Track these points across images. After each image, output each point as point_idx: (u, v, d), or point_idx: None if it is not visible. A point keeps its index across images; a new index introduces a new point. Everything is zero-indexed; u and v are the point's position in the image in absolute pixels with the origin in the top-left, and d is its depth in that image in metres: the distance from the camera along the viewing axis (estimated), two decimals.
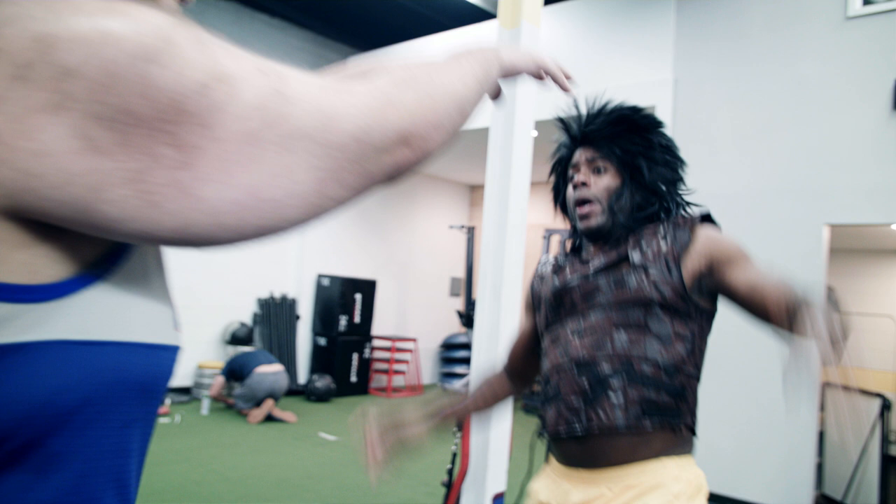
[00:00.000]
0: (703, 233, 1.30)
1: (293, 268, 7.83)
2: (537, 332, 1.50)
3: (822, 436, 4.68)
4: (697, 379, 1.31)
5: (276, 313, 7.48)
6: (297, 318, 7.71)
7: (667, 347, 1.26)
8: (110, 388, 0.45)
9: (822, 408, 4.77)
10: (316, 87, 0.46)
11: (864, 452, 4.33)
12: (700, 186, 1.86)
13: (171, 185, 0.40)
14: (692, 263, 1.27)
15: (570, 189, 1.42)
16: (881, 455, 4.22)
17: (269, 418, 6.00)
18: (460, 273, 9.55)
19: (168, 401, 6.11)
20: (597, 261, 1.36)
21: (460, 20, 6.78)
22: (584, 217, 1.37)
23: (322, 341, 7.77)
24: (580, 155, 1.41)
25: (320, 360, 7.73)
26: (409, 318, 8.99)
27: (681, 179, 1.41)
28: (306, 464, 4.79)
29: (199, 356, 6.85)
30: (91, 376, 0.43)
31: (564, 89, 0.84)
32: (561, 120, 1.47)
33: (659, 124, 1.41)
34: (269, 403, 5.95)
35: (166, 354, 0.50)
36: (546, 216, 8.69)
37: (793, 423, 4.17)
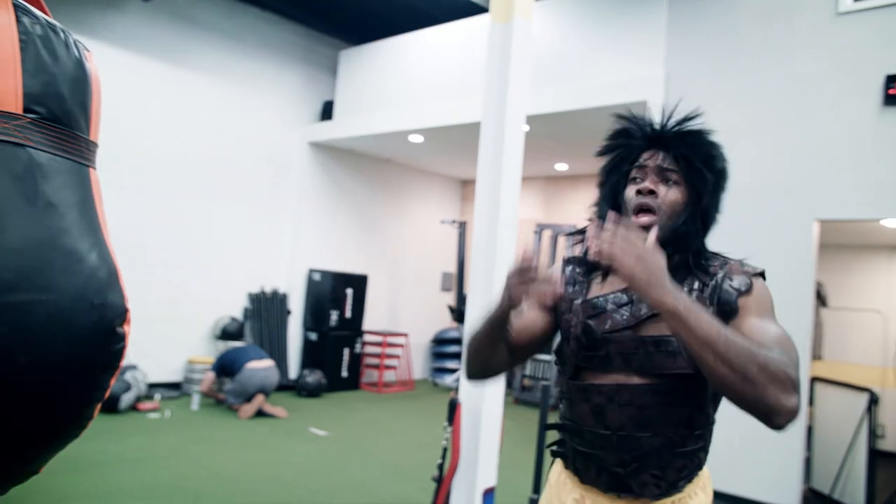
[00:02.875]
0: (748, 298, 1.21)
1: (284, 262, 7.80)
2: (548, 331, 1.40)
3: (810, 430, 4.71)
4: (715, 419, 1.33)
5: (266, 308, 7.45)
6: (289, 312, 7.68)
7: (703, 411, 1.26)
8: None
9: (811, 402, 4.80)
10: None
11: (852, 447, 4.36)
12: None
13: None
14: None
15: (629, 191, 1.29)
16: (868, 449, 4.25)
17: (260, 413, 5.98)
18: (452, 268, 9.55)
19: (158, 396, 6.09)
20: (643, 306, 1.24)
21: (452, 14, 6.76)
22: (643, 229, 1.25)
23: (313, 336, 7.75)
24: (651, 158, 1.29)
25: (311, 355, 7.71)
26: (400, 313, 8.98)
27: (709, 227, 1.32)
28: (297, 459, 4.78)
29: (189, 351, 6.82)
30: None
31: None
32: (629, 116, 1.35)
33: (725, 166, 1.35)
34: (259, 399, 5.93)
35: None
36: (537, 211, 8.69)
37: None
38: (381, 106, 7.20)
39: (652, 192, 1.26)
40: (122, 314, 1.15)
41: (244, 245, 7.34)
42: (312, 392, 7.16)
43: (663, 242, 1.22)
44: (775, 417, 1.03)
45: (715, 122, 5.15)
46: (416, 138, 7.17)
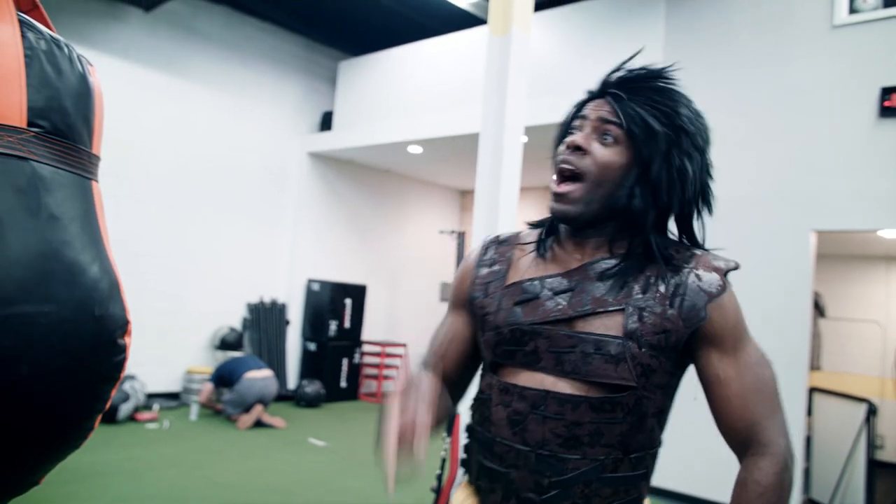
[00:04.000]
0: (721, 309, 1.00)
1: (283, 272, 7.80)
2: (474, 337, 1.19)
3: (809, 440, 4.71)
4: (661, 443, 1.10)
5: (265, 318, 7.45)
6: (287, 323, 7.68)
7: (642, 431, 1.02)
8: None
9: (810, 413, 4.80)
10: None
11: (851, 457, 4.35)
12: None
13: None
14: (692, 342, 1.02)
15: (561, 147, 1.07)
16: (867, 460, 4.24)
17: (259, 424, 5.97)
18: (450, 278, 9.55)
19: (156, 406, 6.07)
20: (586, 296, 1.02)
21: (451, 26, 6.80)
22: (560, 197, 1.02)
23: (312, 346, 7.74)
24: (593, 108, 1.07)
25: (310, 366, 7.70)
26: (399, 323, 8.97)
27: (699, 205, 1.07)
28: (295, 470, 4.77)
29: (188, 361, 6.81)
30: None
31: None
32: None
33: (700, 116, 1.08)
34: (258, 409, 5.92)
35: None
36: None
37: None
38: (380, 117, 7.23)
39: (580, 149, 1.02)
40: (123, 326, 1.16)
41: (243, 255, 7.34)
42: (311, 402, 7.14)
43: (594, 219, 1.02)
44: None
45: (711, 131, 5.10)
46: (415, 149, 7.19)
